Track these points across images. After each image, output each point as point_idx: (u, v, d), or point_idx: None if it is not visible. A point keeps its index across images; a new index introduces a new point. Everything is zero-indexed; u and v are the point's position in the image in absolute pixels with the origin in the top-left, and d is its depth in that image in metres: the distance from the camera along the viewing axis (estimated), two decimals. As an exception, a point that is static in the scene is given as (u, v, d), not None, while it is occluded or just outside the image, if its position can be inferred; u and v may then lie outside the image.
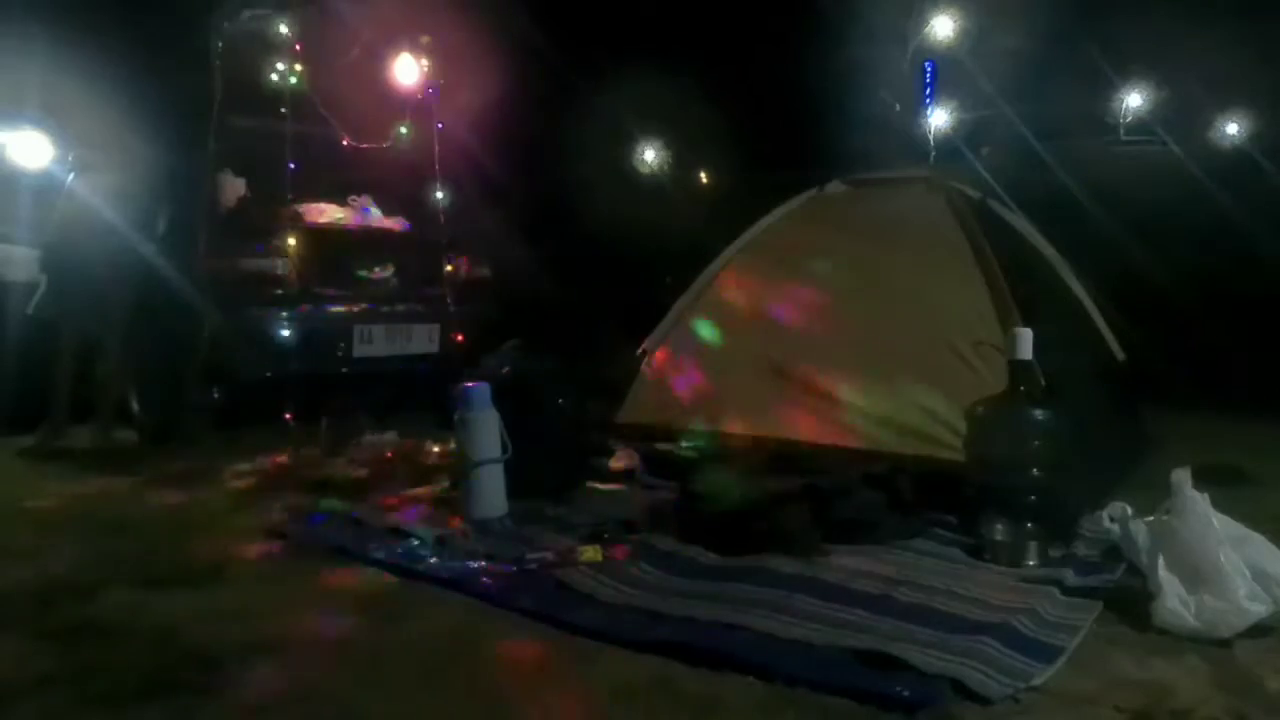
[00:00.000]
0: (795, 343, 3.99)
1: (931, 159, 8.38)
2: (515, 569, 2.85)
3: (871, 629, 2.32)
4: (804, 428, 3.78)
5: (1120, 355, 4.38)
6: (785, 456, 3.56)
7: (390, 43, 5.55)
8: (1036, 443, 2.96)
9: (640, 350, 4.53)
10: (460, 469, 3.47)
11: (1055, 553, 2.90)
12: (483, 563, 2.92)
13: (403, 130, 5.85)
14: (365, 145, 5.77)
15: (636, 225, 8.18)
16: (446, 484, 3.80)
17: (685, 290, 4.59)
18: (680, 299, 4.57)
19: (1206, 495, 2.49)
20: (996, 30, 8.43)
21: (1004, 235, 4.12)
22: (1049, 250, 4.41)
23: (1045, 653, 2.19)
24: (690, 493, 3.44)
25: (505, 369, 3.94)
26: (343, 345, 5.38)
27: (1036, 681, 2.06)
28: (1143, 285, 5.57)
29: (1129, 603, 2.47)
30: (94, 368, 4.83)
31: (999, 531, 2.93)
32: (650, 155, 10.12)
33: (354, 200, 5.93)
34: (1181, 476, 2.51)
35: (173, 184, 5.33)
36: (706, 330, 4.39)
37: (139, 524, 3.52)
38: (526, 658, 2.30)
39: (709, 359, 4.26)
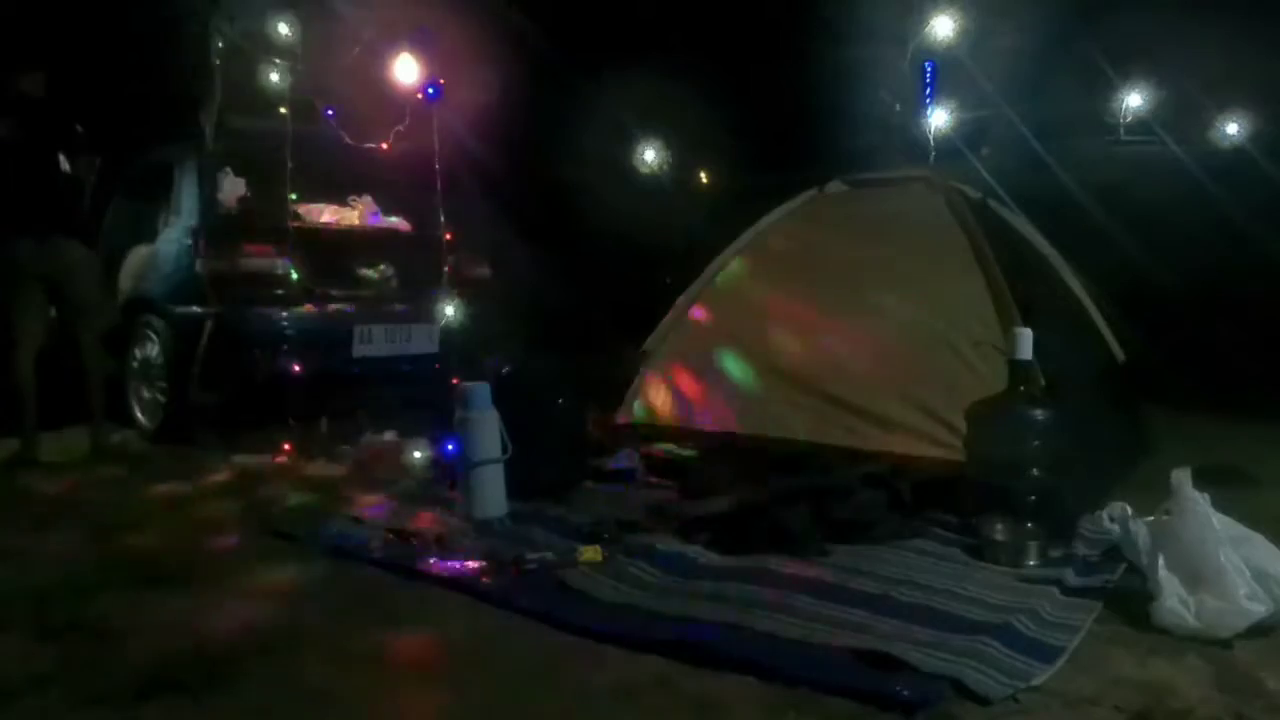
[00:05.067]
0: (795, 342, 3.99)
1: (931, 159, 8.37)
2: (515, 569, 2.85)
3: (871, 629, 2.32)
4: (804, 428, 3.78)
5: (1120, 355, 4.38)
6: (785, 456, 3.56)
7: (390, 43, 5.55)
8: (1036, 443, 2.96)
9: (640, 350, 4.53)
10: (460, 469, 3.47)
11: (1055, 553, 2.90)
12: (483, 563, 2.92)
13: (402, 130, 5.84)
14: (365, 145, 5.77)
15: (636, 225, 8.18)
16: (446, 484, 3.80)
17: (685, 290, 4.59)
18: (680, 299, 4.57)
19: (1206, 495, 2.48)
20: (996, 30, 8.43)
21: (1004, 235, 4.12)
22: (1049, 250, 4.41)
23: (1045, 653, 2.19)
24: (690, 493, 3.44)
25: (505, 369, 3.94)
26: (343, 345, 5.37)
27: (1036, 681, 2.06)
28: (1143, 285, 5.57)
29: (1129, 603, 2.47)
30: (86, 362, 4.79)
31: (999, 531, 2.93)
32: (650, 155, 10.11)
33: (354, 200, 5.93)
34: (1181, 476, 2.50)
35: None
36: (706, 330, 4.39)
37: (138, 524, 3.53)
38: (526, 658, 2.30)
39: (709, 359, 4.26)
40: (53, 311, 4.75)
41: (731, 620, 2.37)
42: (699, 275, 4.60)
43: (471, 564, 2.92)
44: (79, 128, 4.77)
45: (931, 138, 8.62)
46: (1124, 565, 2.71)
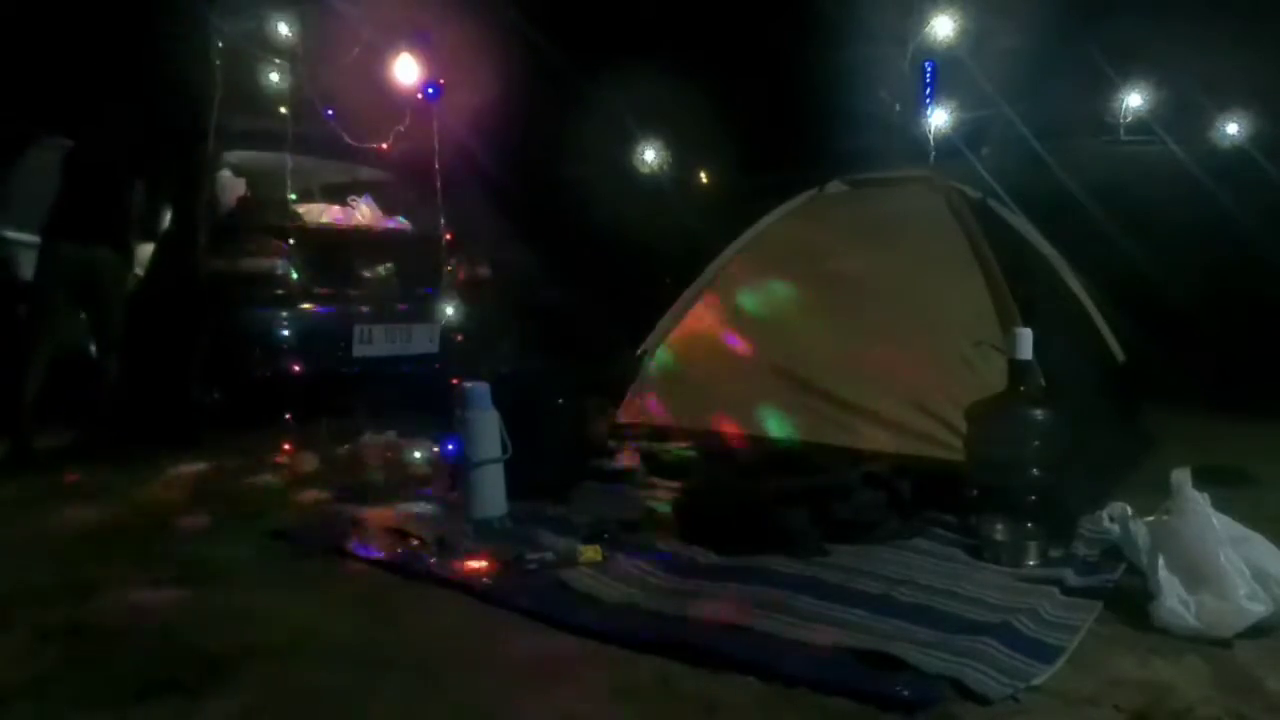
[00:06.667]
0: (795, 342, 3.99)
1: (931, 159, 8.37)
2: (515, 569, 2.85)
3: (871, 629, 2.32)
4: (804, 428, 3.78)
5: (1120, 355, 4.38)
6: (785, 456, 3.56)
7: (390, 43, 5.55)
8: (1036, 443, 2.95)
9: (640, 350, 4.53)
10: (460, 469, 3.47)
11: (1055, 553, 2.90)
12: (483, 563, 2.92)
13: (402, 130, 5.85)
14: (365, 145, 5.78)
15: (636, 225, 8.18)
16: (447, 483, 3.80)
17: (685, 290, 4.59)
18: (680, 299, 4.57)
19: (1206, 495, 2.48)
20: (996, 30, 8.43)
21: (1004, 235, 4.12)
22: (1049, 250, 4.41)
23: (1045, 653, 2.19)
24: (690, 493, 3.44)
25: (505, 369, 3.94)
26: (343, 345, 5.38)
27: (1036, 681, 2.06)
28: (1143, 285, 5.57)
29: (1129, 603, 2.47)
30: (103, 367, 4.81)
31: (999, 531, 2.93)
32: (650, 155, 10.12)
33: (354, 200, 5.93)
34: (1181, 476, 2.50)
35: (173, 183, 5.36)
36: (706, 329, 4.39)
37: (139, 524, 3.52)
38: (526, 658, 2.30)
39: (709, 359, 4.26)
40: (83, 315, 4.80)
41: (731, 620, 2.37)
42: (699, 275, 4.60)
43: (471, 564, 2.92)
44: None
45: (931, 138, 8.63)
46: (1124, 565, 2.71)
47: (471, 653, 2.33)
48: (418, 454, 4.29)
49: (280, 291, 5.15)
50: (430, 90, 5.43)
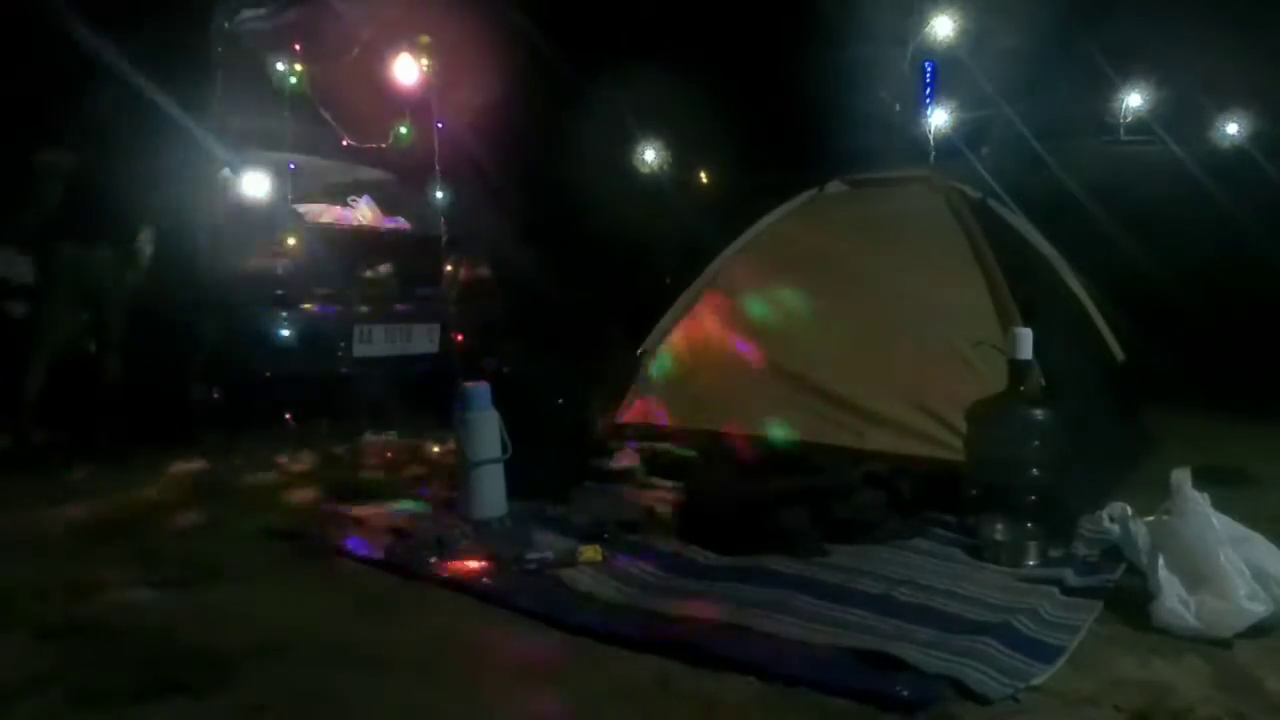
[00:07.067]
0: (795, 342, 3.99)
1: (931, 159, 8.38)
2: (515, 569, 2.85)
3: (871, 629, 2.32)
4: (804, 428, 3.78)
5: (1120, 355, 4.38)
6: (785, 456, 3.56)
7: (390, 42, 5.55)
8: (1036, 443, 2.95)
9: (640, 350, 4.53)
10: (460, 469, 3.47)
11: (1055, 553, 2.90)
12: (483, 563, 2.93)
13: (403, 130, 5.85)
14: (365, 145, 5.78)
15: (636, 225, 8.19)
16: (446, 484, 3.80)
17: (685, 290, 4.59)
18: (680, 299, 4.57)
19: (1206, 495, 2.48)
20: (996, 30, 8.45)
21: (1004, 235, 4.12)
22: (1049, 250, 4.41)
23: (1045, 653, 2.19)
24: (690, 493, 3.44)
25: (505, 369, 3.94)
26: (343, 345, 5.37)
27: (1036, 681, 2.06)
28: (1143, 285, 5.57)
29: (1129, 603, 2.47)
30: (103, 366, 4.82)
31: (999, 531, 2.94)
32: (650, 155, 10.13)
33: (354, 200, 5.93)
34: (1181, 476, 2.50)
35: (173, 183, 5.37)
36: (705, 329, 4.39)
37: (139, 524, 3.52)
38: (526, 658, 2.30)
39: (709, 359, 4.26)
40: (85, 316, 4.79)
41: (731, 620, 2.37)
42: (699, 275, 4.60)
43: (471, 564, 2.92)
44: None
45: (931, 138, 8.64)
46: (1124, 565, 2.71)
47: (471, 653, 2.33)
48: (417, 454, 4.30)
49: (280, 291, 5.15)
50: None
